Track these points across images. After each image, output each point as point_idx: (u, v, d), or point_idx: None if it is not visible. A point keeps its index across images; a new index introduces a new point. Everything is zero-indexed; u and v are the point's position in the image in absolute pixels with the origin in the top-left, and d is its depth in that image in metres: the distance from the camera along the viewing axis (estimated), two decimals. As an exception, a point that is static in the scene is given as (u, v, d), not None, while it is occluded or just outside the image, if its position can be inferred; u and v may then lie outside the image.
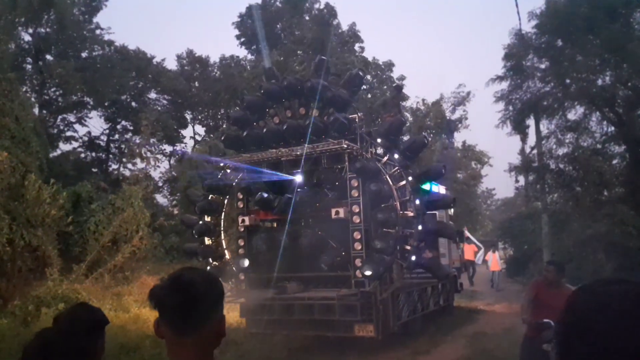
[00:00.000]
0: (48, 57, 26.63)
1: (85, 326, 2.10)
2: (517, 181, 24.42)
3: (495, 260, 19.98)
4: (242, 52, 33.95)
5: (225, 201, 11.13)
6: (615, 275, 14.92)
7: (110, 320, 2.26)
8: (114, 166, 30.08)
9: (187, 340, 1.50)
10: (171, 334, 1.52)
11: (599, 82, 17.53)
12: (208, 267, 10.43)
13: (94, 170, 27.92)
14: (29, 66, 26.17)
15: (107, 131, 29.82)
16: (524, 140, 24.59)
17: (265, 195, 9.94)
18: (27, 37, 25.66)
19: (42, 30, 25.97)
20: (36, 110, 24.04)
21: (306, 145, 9.43)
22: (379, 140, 10.21)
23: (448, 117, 36.81)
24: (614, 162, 18.91)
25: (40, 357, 1.98)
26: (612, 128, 18.08)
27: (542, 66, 18.99)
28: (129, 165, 28.09)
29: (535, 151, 20.63)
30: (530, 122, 19.75)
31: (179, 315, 1.50)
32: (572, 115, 18.47)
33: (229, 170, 10.85)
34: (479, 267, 22.84)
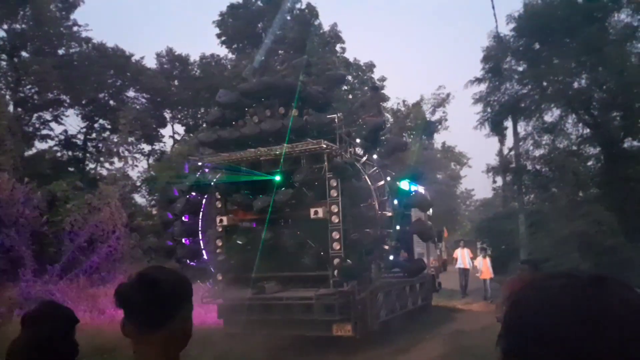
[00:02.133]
0: (24, 53, 26.12)
1: (59, 325, 2.08)
2: (494, 182, 24.76)
3: (486, 267, 17.36)
4: (222, 51, 33.73)
5: (204, 201, 11.03)
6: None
7: (85, 322, 2.24)
8: (91, 165, 29.60)
9: (151, 338, 1.50)
10: (135, 331, 1.52)
11: (575, 84, 17.87)
12: (185, 268, 10.32)
13: (71, 169, 27.40)
14: (3, 63, 25.63)
15: (84, 130, 29.33)
16: (502, 141, 24.88)
17: (244, 195, 9.88)
18: (2, 33, 25.14)
19: (18, 26, 25.44)
20: (11, 108, 23.54)
21: (285, 145, 9.41)
22: (358, 140, 10.24)
23: (428, 119, 37.19)
24: (589, 163, 19.29)
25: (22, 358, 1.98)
26: (588, 130, 18.44)
27: (520, 68, 19.28)
28: (107, 165, 27.73)
29: (512, 152, 20.91)
30: (508, 123, 20.01)
31: (143, 312, 1.51)
32: (548, 117, 18.80)
33: (207, 170, 10.77)
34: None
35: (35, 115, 27.30)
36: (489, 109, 19.55)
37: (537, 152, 19.14)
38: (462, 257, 18.18)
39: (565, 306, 0.76)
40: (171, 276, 1.60)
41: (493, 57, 19.10)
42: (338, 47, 33.80)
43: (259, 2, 33.05)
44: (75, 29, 27.37)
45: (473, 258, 18.88)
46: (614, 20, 17.59)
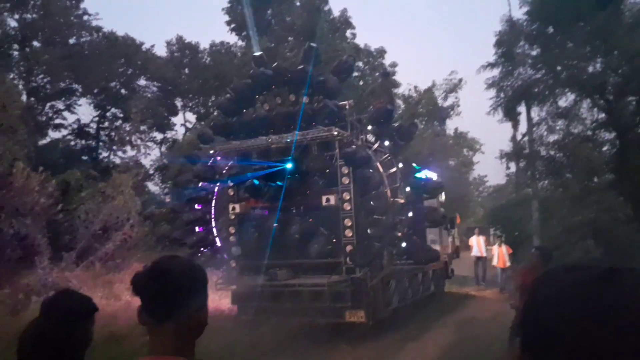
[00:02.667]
0: (35, 43, 26.23)
1: (78, 314, 2.09)
2: (508, 168, 24.52)
3: (502, 256, 16.46)
4: (232, 39, 33.64)
5: (216, 189, 11.08)
6: (602, 261, 15.11)
7: (101, 309, 2.26)
8: (104, 154, 29.84)
9: (166, 327, 1.52)
10: (150, 320, 1.55)
11: (589, 69, 17.59)
12: (199, 255, 10.42)
13: (84, 158, 27.68)
14: (15, 53, 25.79)
15: (97, 119, 29.54)
16: (515, 127, 24.57)
17: (256, 182, 9.91)
18: (13, 23, 25.26)
19: (29, 16, 25.54)
20: (24, 98, 23.72)
21: (296, 132, 9.40)
22: (369, 127, 10.19)
23: (440, 104, 36.89)
24: (604, 149, 19.04)
25: (34, 346, 1.99)
26: (602, 115, 18.18)
27: (534, 53, 19.01)
28: (119, 153, 27.96)
29: (526, 138, 20.68)
30: (522, 109, 19.78)
31: (157, 302, 1.54)
32: (562, 102, 18.54)
33: (219, 158, 10.80)
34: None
35: (48, 104, 27.53)
36: (502, 94, 19.33)
37: (551, 138, 18.94)
38: (478, 244, 17.61)
39: (578, 301, 0.75)
40: (185, 265, 1.61)
41: (506, 41, 18.84)
42: (348, 33, 33.56)
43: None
44: (85, 18, 27.44)
45: (489, 245, 18.25)
46: (629, 3, 17.23)
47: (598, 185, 18.22)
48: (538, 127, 19.21)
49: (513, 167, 23.87)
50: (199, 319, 1.58)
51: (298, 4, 32.31)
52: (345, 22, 33.24)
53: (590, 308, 0.74)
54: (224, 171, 10.78)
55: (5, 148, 13.86)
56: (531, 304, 0.82)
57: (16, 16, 25.06)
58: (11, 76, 22.66)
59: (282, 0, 31.78)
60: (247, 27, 28.55)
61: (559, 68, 17.64)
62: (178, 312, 1.53)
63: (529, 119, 19.39)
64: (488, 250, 17.79)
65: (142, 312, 1.57)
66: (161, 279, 1.54)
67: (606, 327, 0.72)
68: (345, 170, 9.28)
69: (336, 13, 33.03)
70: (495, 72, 19.37)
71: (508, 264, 16.36)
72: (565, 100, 18.43)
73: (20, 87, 24.08)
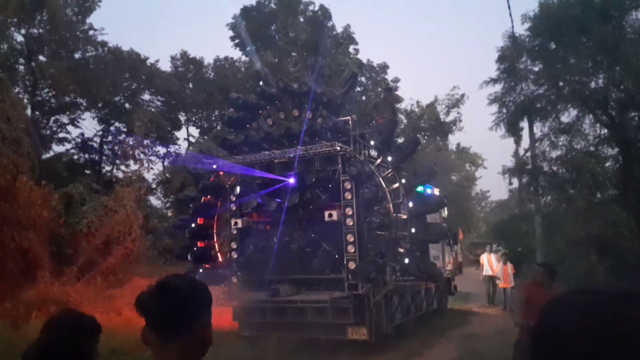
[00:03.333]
0: (41, 57, 26.45)
1: (82, 333, 2.09)
2: (510, 183, 24.45)
3: (507, 275, 15.83)
4: (236, 54, 33.91)
5: (218, 203, 11.08)
6: (607, 276, 14.98)
7: (102, 323, 2.25)
8: (107, 168, 29.90)
9: (172, 346, 1.52)
10: (156, 340, 1.55)
11: (592, 84, 17.60)
12: (200, 270, 10.38)
13: (87, 171, 27.72)
14: (21, 67, 26.00)
15: (100, 132, 29.63)
16: (517, 142, 24.60)
17: (258, 197, 9.90)
18: (20, 38, 25.50)
19: (35, 30, 25.79)
20: (28, 111, 23.86)
21: (299, 147, 9.42)
22: (372, 142, 10.20)
23: (442, 119, 36.95)
24: (607, 164, 18.98)
25: None
26: (605, 130, 18.15)
27: (536, 68, 19.04)
28: (122, 167, 28.00)
29: (529, 153, 20.66)
30: (524, 124, 19.75)
31: (162, 321, 1.54)
32: (565, 118, 18.53)
33: (222, 172, 10.81)
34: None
35: (52, 118, 27.66)
36: (504, 110, 19.33)
37: (554, 153, 18.88)
38: (489, 262, 16.87)
39: (592, 326, 0.76)
40: (191, 285, 1.62)
41: (508, 57, 18.89)
42: (351, 49, 33.75)
43: (272, 5, 33.13)
44: (90, 32, 27.67)
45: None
46: (631, 18, 17.30)
47: (602, 200, 18.13)
48: (541, 143, 19.18)
49: (516, 182, 23.83)
50: (204, 338, 1.58)
51: (302, 19, 32.58)
52: (348, 37, 33.46)
53: (607, 333, 0.74)
54: (227, 186, 10.78)
55: (10, 161, 13.90)
56: (545, 328, 0.82)
57: (23, 31, 25.32)
58: (17, 90, 22.83)
59: (286, 15, 32.05)
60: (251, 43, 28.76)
61: (561, 83, 17.67)
62: (184, 331, 1.53)
63: (532, 134, 19.37)
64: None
65: (146, 332, 1.56)
66: (168, 298, 1.54)
67: (623, 352, 0.72)
68: (348, 185, 9.27)
69: (339, 29, 33.31)
70: (498, 87, 19.40)
71: (512, 283, 15.75)
72: (568, 115, 18.42)
73: (26, 100, 24.24)
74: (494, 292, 16.70)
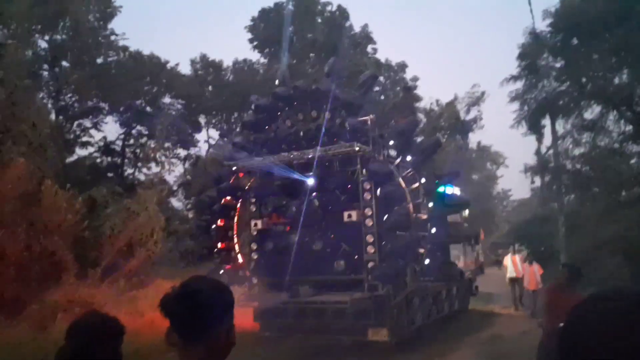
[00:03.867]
0: (64, 63, 26.94)
1: (105, 336, 2.11)
2: (532, 182, 24.11)
3: (532, 276, 14.60)
4: (255, 56, 34.08)
5: (238, 205, 11.15)
6: (633, 279, 14.64)
7: (125, 325, 2.27)
8: (129, 171, 30.30)
9: (196, 348, 1.56)
10: (180, 341, 1.58)
11: (616, 80, 17.28)
12: (221, 272, 10.45)
13: (110, 175, 28.16)
14: (45, 73, 26.52)
15: (123, 136, 30.07)
16: (539, 140, 24.18)
17: (278, 198, 9.93)
18: (44, 44, 26.02)
19: (58, 37, 26.29)
20: (52, 117, 24.34)
21: (318, 148, 9.42)
22: (391, 142, 10.16)
23: (462, 118, 36.63)
24: (632, 161, 18.60)
25: None
26: (630, 127, 17.78)
27: (558, 65, 18.77)
28: (144, 170, 28.35)
29: (551, 151, 20.33)
30: (546, 122, 19.49)
31: (186, 323, 1.56)
32: (588, 115, 18.22)
33: (241, 174, 10.88)
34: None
35: (76, 122, 28.15)
36: (525, 107, 19.11)
37: (577, 151, 18.59)
38: (514, 263, 15.66)
39: (622, 331, 0.75)
40: (214, 287, 1.65)
41: (529, 54, 18.65)
42: (369, 48, 33.67)
43: (290, 6, 33.23)
44: (112, 38, 28.11)
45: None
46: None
47: (627, 199, 17.74)
48: (563, 140, 18.90)
49: (538, 181, 23.49)
50: (227, 339, 1.60)
51: (319, 20, 32.62)
52: (366, 37, 33.40)
53: (634, 338, 0.74)
54: (247, 187, 10.84)
55: (35, 166, 14.19)
56: (572, 331, 0.82)
57: (46, 37, 25.85)
58: (41, 96, 23.32)
59: (304, 17, 32.12)
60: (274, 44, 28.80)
61: (584, 80, 17.38)
62: (208, 333, 1.56)
63: (554, 132, 19.08)
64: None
65: (171, 333, 1.59)
66: (191, 300, 1.57)
67: None
68: (367, 185, 9.25)
69: (357, 29, 33.25)
70: (519, 84, 19.19)
71: (540, 285, 14.38)
72: (591, 112, 18.11)
73: (50, 106, 24.74)
74: (520, 295, 15.73)
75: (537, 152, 24.85)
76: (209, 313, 1.56)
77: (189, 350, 1.56)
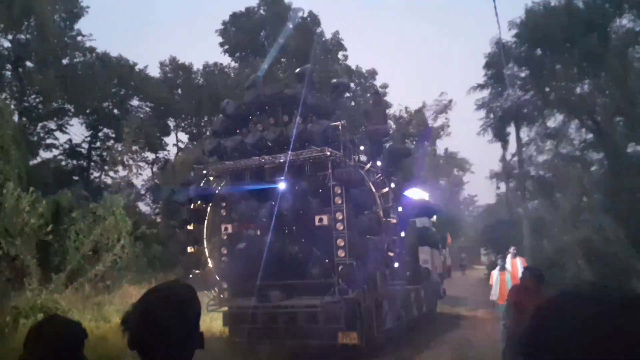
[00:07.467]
0: (28, 63, 26.26)
1: (66, 341, 2.05)
2: (498, 188, 24.71)
3: (517, 271, 12.14)
4: (225, 60, 33.90)
5: (208, 209, 11.05)
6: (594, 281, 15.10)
7: (91, 331, 2.24)
8: (96, 174, 29.71)
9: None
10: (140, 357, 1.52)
11: (578, 90, 17.91)
12: (190, 276, 10.34)
13: (75, 178, 27.49)
14: (8, 73, 25.79)
15: (89, 139, 29.46)
16: (504, 147, 24.83)
17: (248, 203, 9.90)
18: (7, 44, 25.31)
19: (22, 36, 25.61)
20: (16, 118, 23.64)
21: (289, 152, 9.44)
22: (361, 147, 10.26)
23: (430, 125, 37.26)
24: (593, 169, 19.25)
25: None
26: (591, 135, 18.43)
27: (523, 75, 19.33)
28: (111, 173, 27.82)
29: (516, 158, 20.89)
30: (511, 129, 20.06)
31: (146, 347, 1.50)
32: (551, 123, 18.84)
33: (212, 178, 10.80)
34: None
35: (40, 124, 27.43)
36: (491, 115, 19.63)
37: (541, 158, 19.18)
38: (515, 269, 12.73)
39: (598, 340, 0.74)
40: (176, 306, 1.54)
41: (495, 63, 19.16)
42: (340, 55, 33.98)
43: (261, 11, 33.23)
44: (79, 38, 27.58)
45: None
46: (615, 25, 17.61)
47: (588, 205, 18.35)
48: (527, 148, 19.47)
49: (503, 186, 24.06)
50: (190, 351, 1.55)
51: (291, 26, 32.71)
52: (337, 44, 33.68)
53: (614, 347, 0.73)
54: (217, 192, 10.76)
55: (-3, 168, 13.77)
56: (541, 333, 0.80)
57: (10, 37, 25.13)
58: (3, 96, 22.61)
59: (276, 22, 32.16)
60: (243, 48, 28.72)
61: (547, 89, 17.95)
62: (167, 353, 1.50)
63: (519, 139, 19.64)
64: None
65: (131, 345, 1.53)
66: (151, 324, 1.49)
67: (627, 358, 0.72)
68: (338, 190, 9.30)
69: (328, 35, 33.49)
70: (485, 93, 19.72)
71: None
72: (554, 121, 18.74)
73: (13, 107, 23.99)
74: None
75: (503, 159, 25.48)
76: (170, 338, 1.48)
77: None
